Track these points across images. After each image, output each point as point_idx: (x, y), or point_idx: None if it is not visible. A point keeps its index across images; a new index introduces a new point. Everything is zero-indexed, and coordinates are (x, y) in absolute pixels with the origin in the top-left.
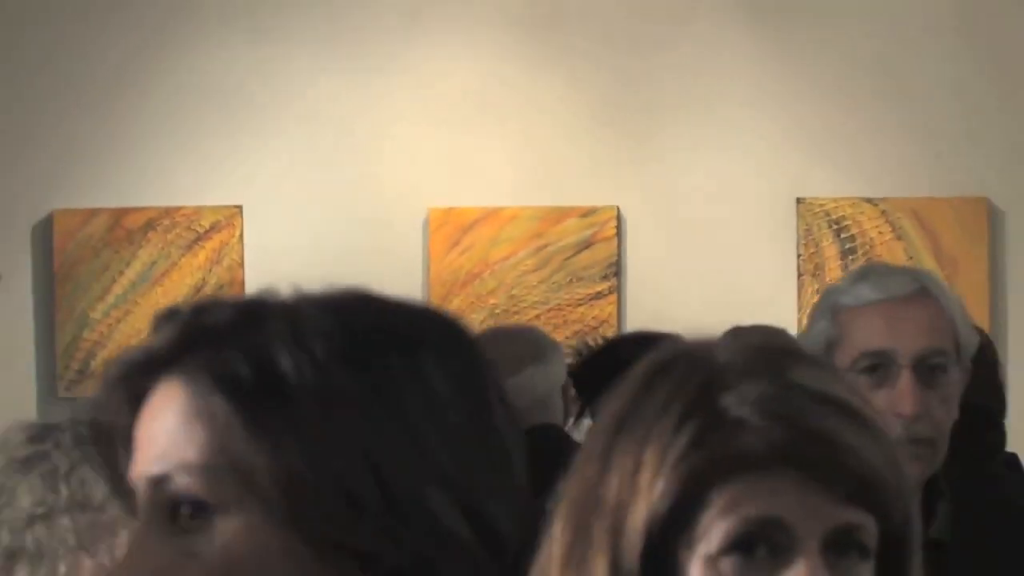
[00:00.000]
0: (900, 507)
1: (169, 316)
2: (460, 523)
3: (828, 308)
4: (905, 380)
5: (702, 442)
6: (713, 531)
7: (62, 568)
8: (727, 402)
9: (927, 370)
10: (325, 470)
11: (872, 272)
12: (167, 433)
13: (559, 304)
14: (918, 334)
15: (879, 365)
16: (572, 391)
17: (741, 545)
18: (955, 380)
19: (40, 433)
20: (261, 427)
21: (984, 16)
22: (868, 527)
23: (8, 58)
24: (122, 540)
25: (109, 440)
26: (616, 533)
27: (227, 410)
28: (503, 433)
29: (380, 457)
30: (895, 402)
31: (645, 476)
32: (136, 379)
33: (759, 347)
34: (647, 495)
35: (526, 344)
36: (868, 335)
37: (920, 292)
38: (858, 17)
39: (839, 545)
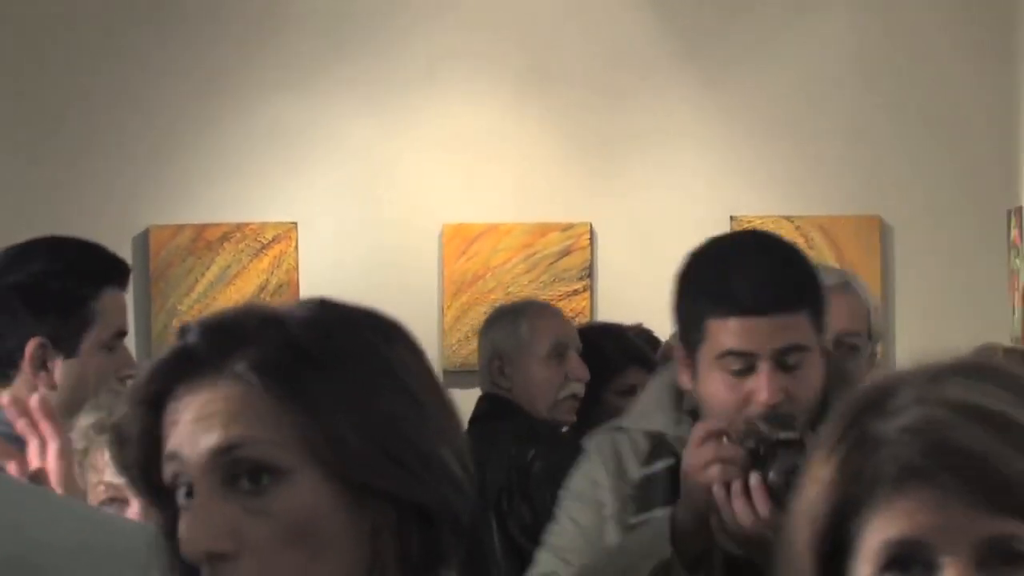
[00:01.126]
0: None
1: (183, 332)
2: (458, 468)
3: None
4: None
5: (848, 466)
6: (862, 557)
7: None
8: (877, 423)
9: (848, 348)
10: (368, 434)
11: None
12: (226, 414)
13: (545, 299)
14: (839, 318)
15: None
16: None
17: (891, 568)
18: (865, 358)
19: (103, 401)
20: (309, 403)
21: (879, 68)
22: None
23: (115, 104)
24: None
25: (130, 438)
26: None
27: (275, 392)
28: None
29: (403, 421)
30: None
31: (803, 503)
32: (161, 383)
33: (932, 366)
34: (809, 522)
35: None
36: None
37: (843, 286)
38: (779, 68)
39: (995, 557)
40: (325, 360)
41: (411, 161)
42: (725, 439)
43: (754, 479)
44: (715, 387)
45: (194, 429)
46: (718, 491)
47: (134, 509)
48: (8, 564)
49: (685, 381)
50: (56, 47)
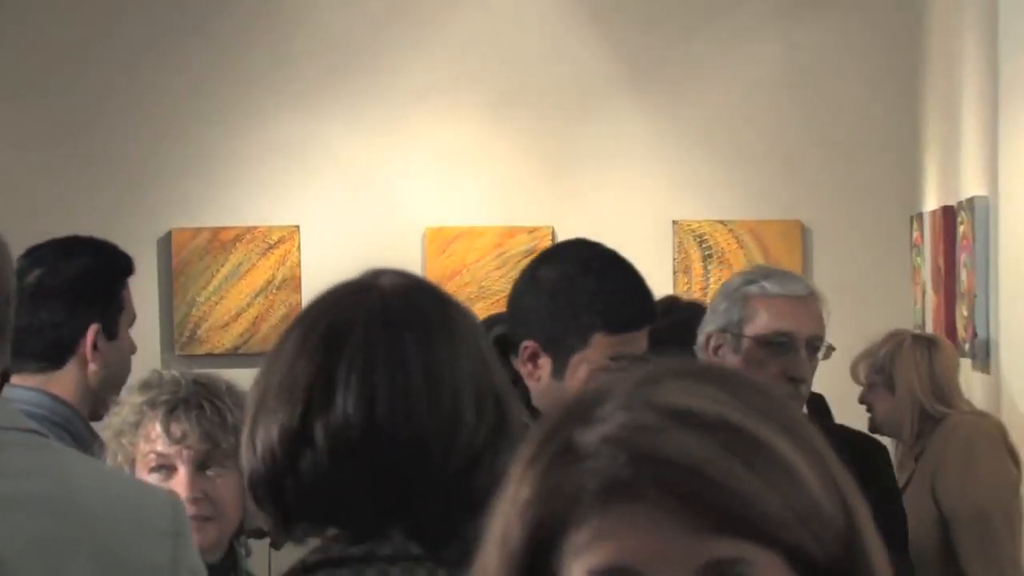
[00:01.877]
0: (820, 530)
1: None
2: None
3: (736, 295)
4: (802, 354)
5: (546, 483)
6: None
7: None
8: (579, 432)
9: (811, 350)
10: (485, 391)
11: (772, 273)
12: None
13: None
14: (811, 323)
15: (786, 342)
16: None
17: None
18: (819, 358)
19: (152, 380)
20: None
21: (801, 91)
22: (753, 559)
23: (143, 121)
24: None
25: None
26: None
27: None
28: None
29: (490, 375)
30: (793, 368)
31: (498, 523)
32: None
33: (649, 369)
34: (502, 551)
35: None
36: (777, 319)
37: (812, 295)
38: (715, 91)
39: None
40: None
41: (398, 172)
42: None
43: None
44: (585, 379)
45: None
46: None
47: (180, 477)
48: (55, 500)
49: (541, 375)
50: (91, 68)
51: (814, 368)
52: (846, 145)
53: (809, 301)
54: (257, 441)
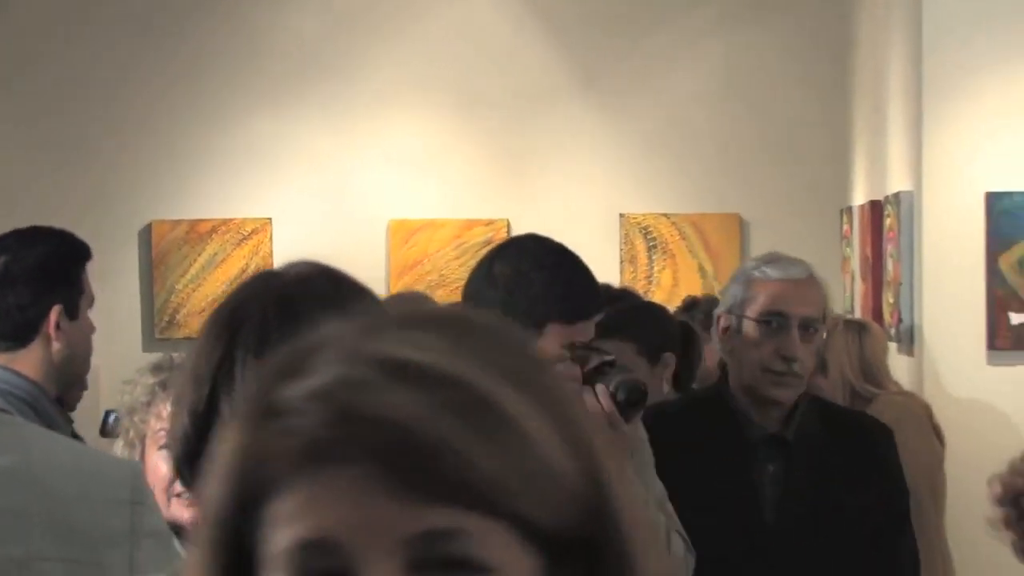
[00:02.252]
0: (553, 496)
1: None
2: None
3: (743, 278)
4: (794, 334)
5: (251, 444)
6: (271, 565)
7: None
8: (287, 387)
9: (805, 330)
10: None
11: (777, 259)
12: None
13: None
14: (805, 305)
15: (779, 322)
16: None
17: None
18: (819, 339)
19: (164, 362)
20: None
21: (739, 95)
22: (472, 530)
23: (125, 122)
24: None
25: None
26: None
27: None
28: None
29: None
30: (784, 347)
31: (205, 496)
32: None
33: (374, 317)
34: (209, 519)
35: (417, 299)
36: (772, 300)
37: (809, 277)
38: (658, 95)
39: (433, 559)
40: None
41: (364, 168)
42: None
43: (599, 387)
44: None
45: None
46: None
47: None
48: (13, 472)
49: None
50: (76, 72)
51: (811, 348)
52: (781, 144)
53: (805, 284)
54: (176, 426)
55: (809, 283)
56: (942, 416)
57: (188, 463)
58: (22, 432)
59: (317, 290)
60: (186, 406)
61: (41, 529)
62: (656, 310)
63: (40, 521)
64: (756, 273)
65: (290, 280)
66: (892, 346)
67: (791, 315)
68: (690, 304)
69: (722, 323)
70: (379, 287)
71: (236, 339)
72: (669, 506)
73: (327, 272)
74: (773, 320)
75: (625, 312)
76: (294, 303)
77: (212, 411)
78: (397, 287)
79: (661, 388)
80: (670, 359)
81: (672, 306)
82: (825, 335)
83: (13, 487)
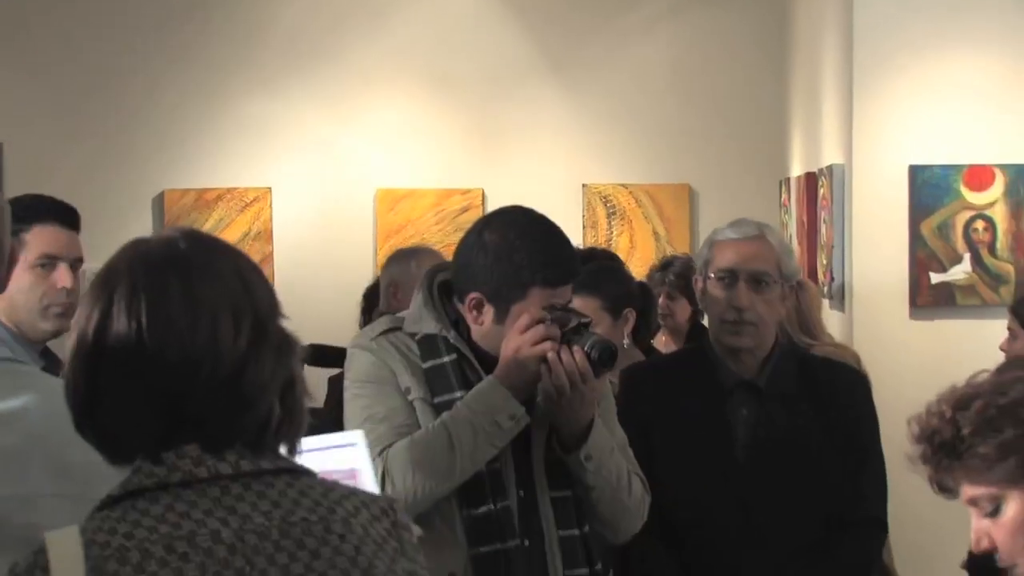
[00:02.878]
0: None
1: None
2: None
3: (708, 241)
4: (741, 286)
5: None
6: None
7: None
8: None
9: (754, 283)
10: (243, 312)
11: (736, 222)
12: None
13: (449, 244)
14: (753, 260)
15: (729, 277)
16: None
17: None
18: (776, 292)
19: None
20: None
21: (688, 75)
22: None
23: (141, 98)
24: None
25: None
26: None
27: None
28: None
29: (250, 300)
30: (735, 299)
31: None
32: None
33: None
34: None
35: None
36: (725, 258)
37: (757, 236)
38: (617, 76)
39: None
40: None
41: (353, 142)
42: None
43: (576, 347)
44: (525, 323)
45: None
46: (553, 357)
47: None
48: (12, 415)
49: (484, 321)
50: (98, 55)
51: (765, 299)
52: (726, 122)
53: (754, 242)
54: (68, 375)
55: (757, 241)
56: (869, 364)
57: (84, 417)
58: (22, 378)
59: (181, 251)
60: (74, 364)
61: (39, 466)
62: (619, 271)
63: (38, 458)
64: (718, 237)
65: (155, 243)
66: (825, 303)
67: (739, 270)
68: (667, 263)
69: (698, 284)
70: (367, 249)
71: (111, 298)
72: (630, 451)
73: (195, 237)
74: (726, 276)
75: (593, 272)
76: (159, 263)
77: (93, 367)
78: (384, 249)
79: (621, 340)
80: (630, 315)
81: (633, 268)
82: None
83: (12, 429)
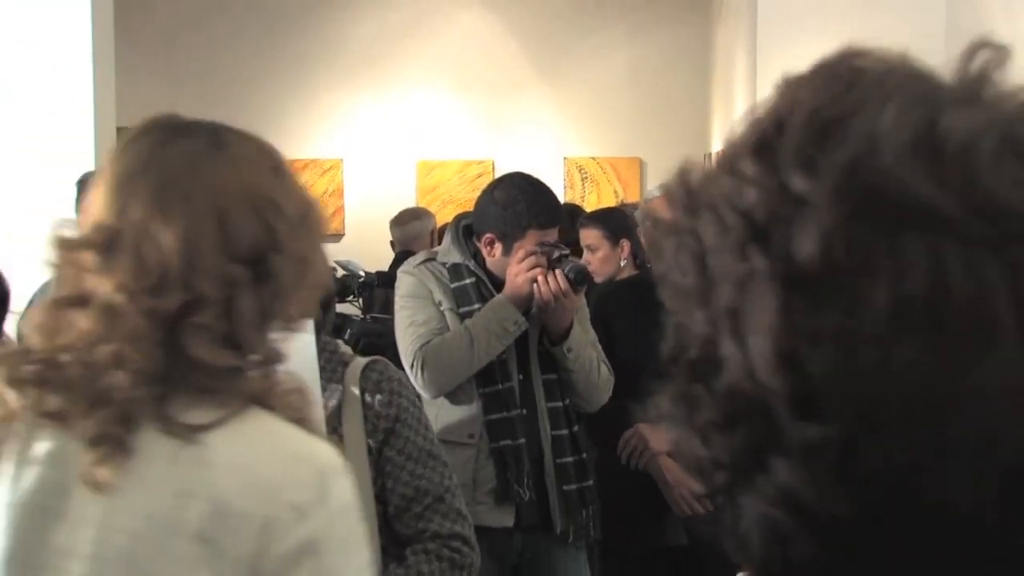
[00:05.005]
0: None
1: None
2: None
3: (645, 199)
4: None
5: None
6: None
7: None
8: None
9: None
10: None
11: (662, 184)
12: None
13: (469, 199)
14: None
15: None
16: None
17: None
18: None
19: None
20: None
21: (639, 69)
22: None
23: (245, 88)
24: None
25: None
26: None
27: None
28: None
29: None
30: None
31: None
32: None
33: None
34: None
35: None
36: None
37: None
38: (590, 76)
39: None
40: None
41: (400, 126)
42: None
43: (558, 271)
44: (522, 256)
45: None
46: (541, 279)
47: None
48: None
49: (495, 254)
50: (216, 51)
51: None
52: (667, 110)
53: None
54: None
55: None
56: None
57: None
58: None
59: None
60: None
61: None
62: (619, 211)
63: None
64: (649, 196)
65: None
66: None
67: None
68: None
69: (640, 234)
70: (411, 203)
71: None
72: (599, 345)
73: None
74: None
75: (601, 210)
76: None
77: None
78: (422, 202)
79: (619, 263)
80: (625, 244)
81: None
82: None
83: None
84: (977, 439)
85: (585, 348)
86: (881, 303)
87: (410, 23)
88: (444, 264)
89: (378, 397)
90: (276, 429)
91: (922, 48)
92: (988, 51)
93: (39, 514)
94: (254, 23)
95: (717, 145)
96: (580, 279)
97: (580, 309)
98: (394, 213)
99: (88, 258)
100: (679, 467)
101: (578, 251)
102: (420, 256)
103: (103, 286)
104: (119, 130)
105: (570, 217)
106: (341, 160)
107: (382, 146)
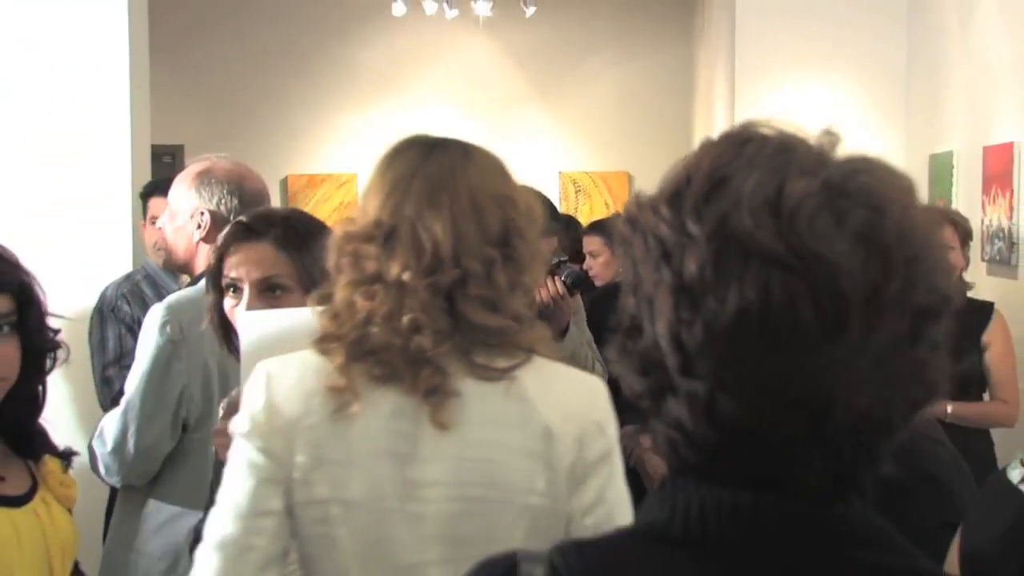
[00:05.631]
0: None
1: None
2: None
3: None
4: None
5: None
6: None
7: None
8: None
9: None
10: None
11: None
12: (265, 260)
13: None
14: None
15: None
16: None
17: None
18: None
19: None
20: (301, 257)
21: (629, 89)
22: None
23: (270, 100)
24: None
25: None
26: None
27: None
28: None
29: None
30: None
31: None
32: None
33: None
34: None
35: None
36: None
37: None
38: (581, 90)
39: None
40: (310, 235)
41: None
42: None
43: (556, 277)
44: None
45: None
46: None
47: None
48: None
49: None
50: (245, 75)
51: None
52: (652, 128)
53: None
54: None
55: None
56: None
57: None
58: None
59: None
60: None
61: None
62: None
63: None
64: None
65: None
66: None
67: None
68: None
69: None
70: None
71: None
72: (594, 345)
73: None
74: None
75: (602, 220)
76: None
77: None
78: None
79: (619, 267)
80: None
81: None
82: None
83: None
84: (782, 394)
85: (581, 346)
86: (731, 307)
87: (417, 49)
88: None
89: None
90: (559, 369)
91: (884, 71)
92: (828, 135)
93: (392, 457)
94: (275, 51)
95: None
96: (577, 284)
97: (578, 311)
98: None
99: (370, 249)
100: (662, 463)
101: (581, 257)
102: None
103: (391, 269)
104: (154, 147)
105: (567, 226)
106: (356, 174)
107: None
